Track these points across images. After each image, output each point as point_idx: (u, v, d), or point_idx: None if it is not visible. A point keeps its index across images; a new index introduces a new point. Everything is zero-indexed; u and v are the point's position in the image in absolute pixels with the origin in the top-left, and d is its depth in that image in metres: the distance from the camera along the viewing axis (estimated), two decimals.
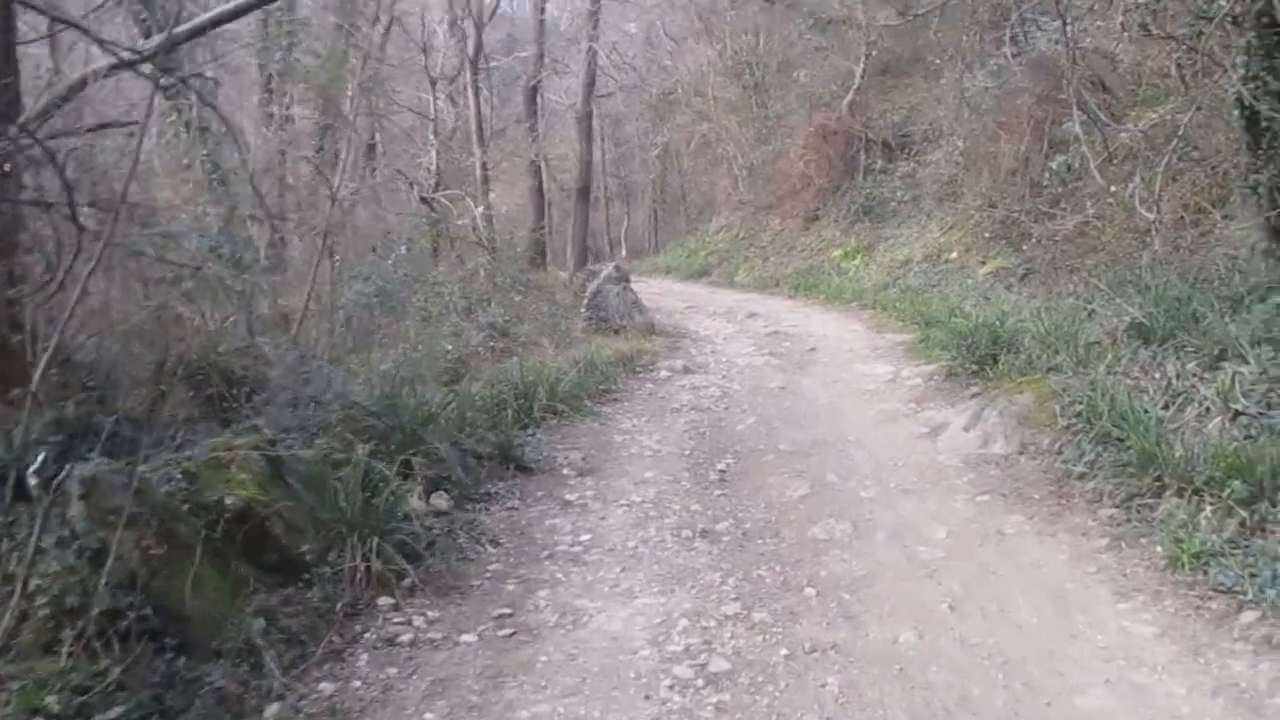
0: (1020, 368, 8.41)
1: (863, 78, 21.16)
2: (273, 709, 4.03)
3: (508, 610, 5.03)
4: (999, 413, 7.59)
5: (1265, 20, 6.82)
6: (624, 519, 6.47)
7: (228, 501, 4.67)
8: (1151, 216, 10.07)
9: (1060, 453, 6.70)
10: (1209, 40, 7.76)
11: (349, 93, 14.43)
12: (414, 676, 4.41)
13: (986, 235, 14.67)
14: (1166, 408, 6.43)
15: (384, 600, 4.98)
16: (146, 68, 6.30)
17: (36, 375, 4.55)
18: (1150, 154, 10.95)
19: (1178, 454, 5.66)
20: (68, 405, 5.62)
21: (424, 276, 15.65)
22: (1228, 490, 5.22)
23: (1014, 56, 14.60)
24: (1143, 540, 5.31)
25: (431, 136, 22.19)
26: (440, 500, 6.51)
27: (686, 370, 11.65)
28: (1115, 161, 11.76)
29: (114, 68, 5.81)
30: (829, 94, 21.80)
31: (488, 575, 5.55)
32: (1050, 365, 8.04)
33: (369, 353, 10.80)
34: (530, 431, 8.48)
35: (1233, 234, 9.11)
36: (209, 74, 9.25)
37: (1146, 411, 6.26)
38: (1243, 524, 5.06)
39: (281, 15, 17.59)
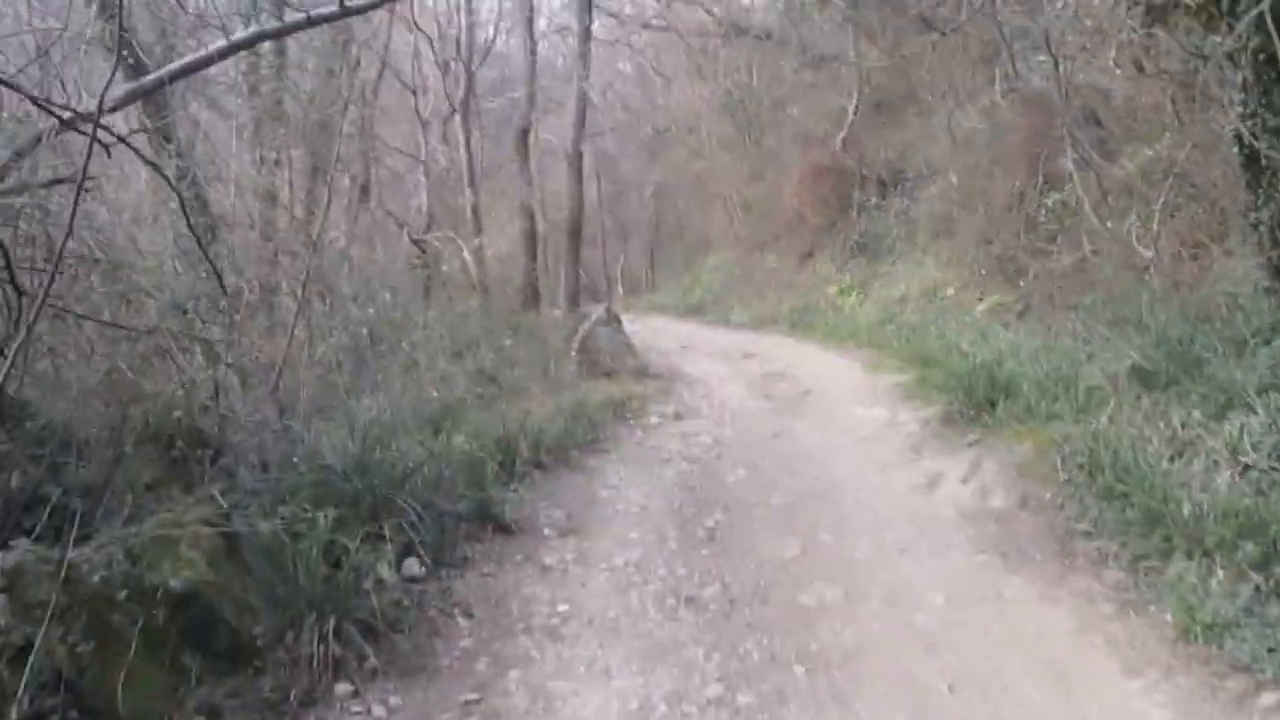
0: (1019, 414, 8.12)
1: (855, 114, 21.04)
2: None
3: (475, 696, 4.70)
4: (998, 464, 7.31)
5: (1262, 57, 6.58)
6: (605, 585, 6.13)
7: (172, 584, 4.35)
8: (1149, 254, 9.87)
9: (1062, 508, 6.40)
10: (1205, 76, 7.53)
11: (340, 135, 14.16)
12: None
13: (983, 272, 14.43)
14: (1172, 460, 6.13)
15: (342, 687, 4.64)
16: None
17: None
18: (1147, 190, 10.76)
19: (1185, 512, 5.36)
20: (11, 476, 5.35)
21: (411, 321, 15.43)
22: (1240, 553, 4.92)
23: (1006, 93, 14.45)
24: (1151, 608, 5.00)
25: (422, 178, 22.04)
26: (413, 566, 6.18)
27: (678, 416, 11.35)
28: (1111, 197, 11.57)
29: (63, 125, 5.54)
30: (822, 131, 21.70)
31: (458, 653, 5.21)
32: (1050, 412, 7.77)
33: (354, 403, 10.53)
34: (512, 487, 8.16)
35: (1233, 271, 8.85)
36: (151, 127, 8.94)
37: (1151, 465, 5.97)
38: (1257, 590, 4.75)
39: (270, 60, 17.49)
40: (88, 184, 6.36)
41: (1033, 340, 10.80)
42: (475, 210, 20.39)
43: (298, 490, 6.45)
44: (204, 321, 7.16)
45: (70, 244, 6.86)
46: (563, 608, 5.78)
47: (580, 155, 23.29)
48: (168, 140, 12.74)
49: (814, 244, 21.26)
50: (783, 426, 10.42)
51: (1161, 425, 6.63)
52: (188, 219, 5.99)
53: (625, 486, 8.46)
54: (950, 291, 15.19)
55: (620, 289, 38.52)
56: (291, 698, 4.45)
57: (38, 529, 4.77)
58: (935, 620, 5.27)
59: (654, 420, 11.15)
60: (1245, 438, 5.81)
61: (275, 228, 14.60)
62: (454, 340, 14.94)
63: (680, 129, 29.93)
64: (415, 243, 20.31)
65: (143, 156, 5.78)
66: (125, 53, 10.84)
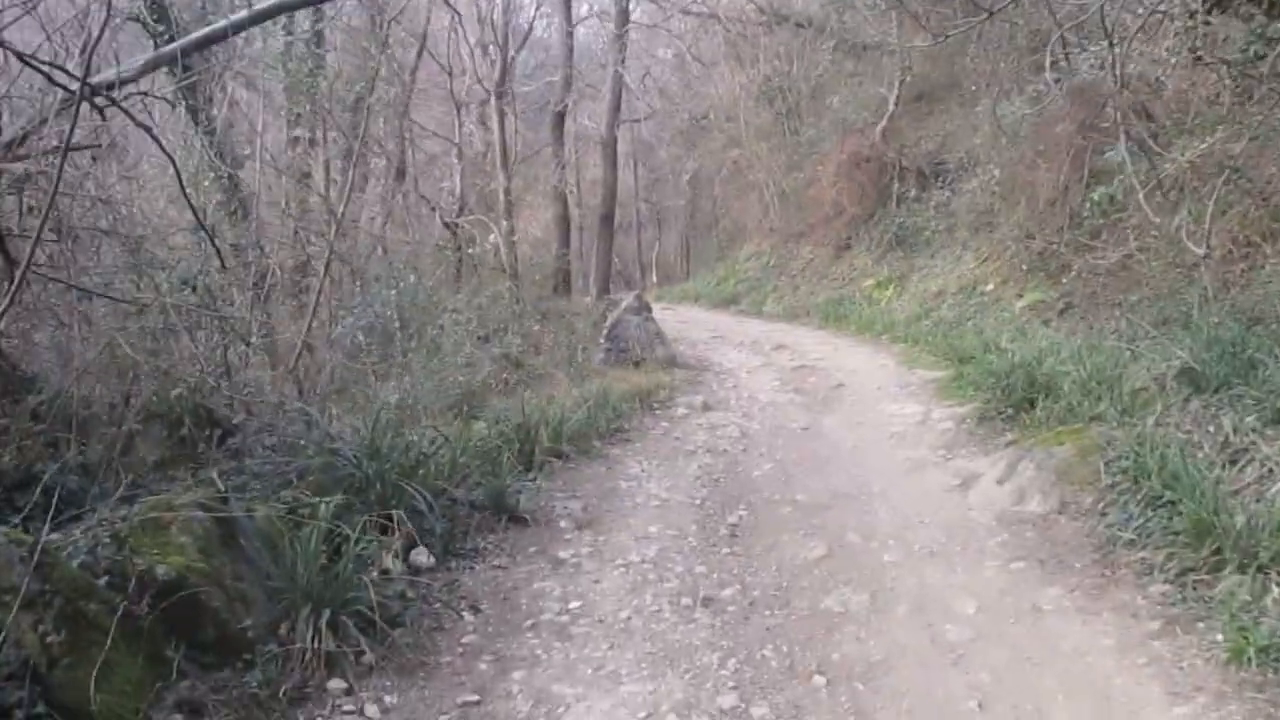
0: (1059, 415, 7.77)
1: (896, 104, 20.59)
2: None
3: (475, 698, 4.44)
4: (1036, 465, 6.96)
5: None
6: (619, 582, 5.86)
7: (158, 572, 4.12)
8: (1200, 251, 9.47)
9: (1104, 514, 6.05)
10: (1271, 64, 7.15)
11: (367, 113, 13.94)
12: None
13: (1023, 267, 14.04)
14: (1224, 468, 5.79)
15: (336, 684, 4.39)
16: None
17: None
18: (1198, 185, 10.37)
19: (1239, 523, 5.01)
20: (4, 453, 5.15)
21: (438, 304, 15.22)
22: None
23: (1053, 83, 14.02)
24: (1200, 625, 4.65)
25: (456, 160, 21.80)
26: (421, 557, 5.95)
27: (706, 407, 11.06)
28: (1161, 193, 11.17)
29: (67, 98, 5.32)
30: (862, 120, 21.26)
31: (460, 650, 4.96)
32: (1092, 414, 7.41)
33: (373, 387, 10.32)
34: (531, 476, 7.93)
35: None
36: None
37: (1201, 472, 5.62)
38: None
39: (307, 35, 17.35)
40: (96, 154, 6.20)
41: (1074, 339, 10.45)
42: (508, 194, 20.09)
43: (306, 474, 6.25)
44: (216, 298, 6.91)
45: (78, 215, 6.73)
46: (574, 605, 5.53)
47: (615, 140, 23.05)
48: (196, 118, 12.66)
49: (851, 236, 20.86)
50: (812, 421, 10.11)
51: (1212, 430, 6.29)
52: (187, 196, 5.68)
53: (647, 479, 8.20)
54: (989, 287, 14.80)
55: (654, 277, 38.25)
56: (281, 694, 4.21)
57: (27, 508, 4.58)
58: (966, 632, 4.95)
59: (680, 411, 10.87)
60: None
61: (307, 208, 14.46)
62: (482, 324, 14.75)
63: (718, 117, 29.50)
64: (447, 226, 20.10)
65: (141, 124, 5.50)
66: (163, 28, 10.78)
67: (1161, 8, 8.51)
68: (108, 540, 4.19)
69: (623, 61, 22.49)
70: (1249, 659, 4.21)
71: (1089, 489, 6.37)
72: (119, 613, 3.80)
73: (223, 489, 4.99)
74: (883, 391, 11.21)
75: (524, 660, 4.86)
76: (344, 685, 4.40)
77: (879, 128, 20.61)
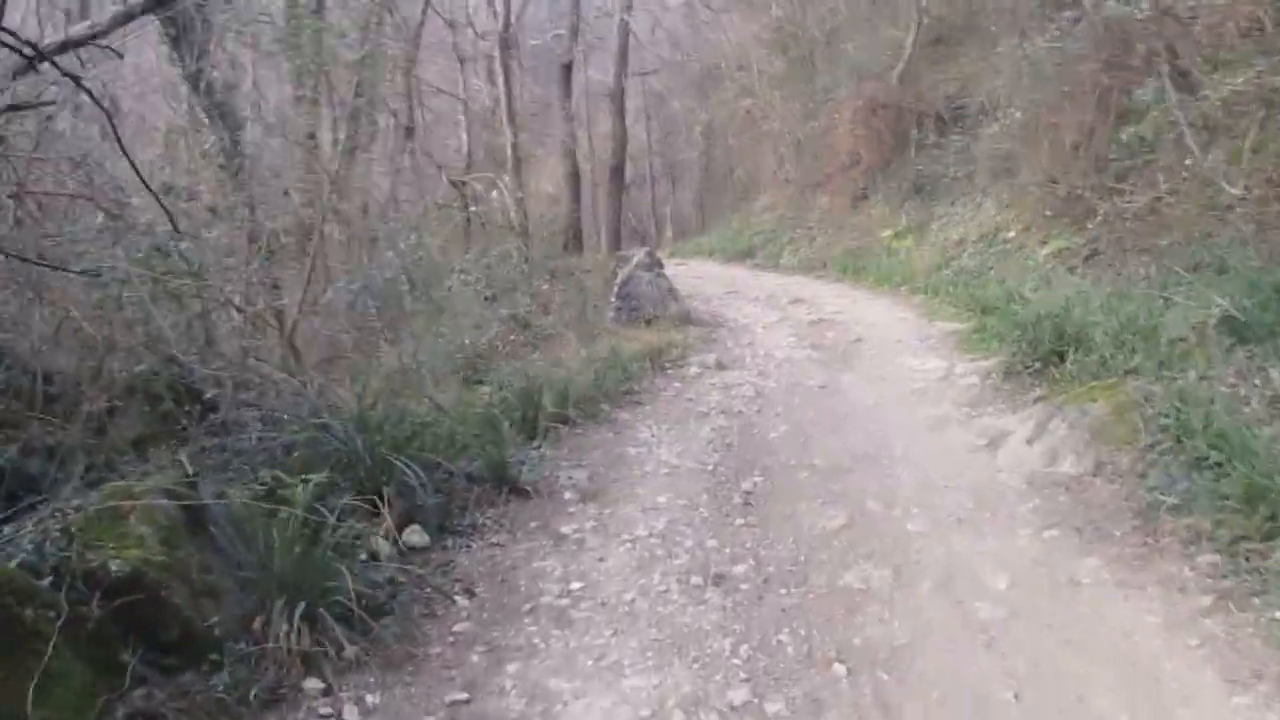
0: (1091, 369, 7.32)
1: (913, 48, 19.95)
2: None
3: (464, 696, 4.07)
4: (1068, 424, 6.53)
5: None
6: (625, 560, 5.49)
7: (112, 568, 3.76)
8: (1236, 191, 9.01)
9: (1144, 476, 5.60)
10: None
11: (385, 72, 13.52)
12: None
13: (1047, 213, 13.52)
14: (1275, 425, 5.35)
15: (312, 683, 4.03)
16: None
17: None
18: (1230, 123, 9.88)
19: None
20: None
21: (446, 265, 14.84)
22: None
23: (1077, 20, 13.44)
24: (1256, 600, 4.22)
25: (461, 117, 21.35)
26: (413, 536, 5.60)
27: (720, 366, 10.65)
28: (1194, 130, 10.67)
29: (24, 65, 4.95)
30: (878, 66, 20.64)
31: (452, 639, 4.60)
32: (1127, 367, 6.96)
33: (374, 353, 9.96)
34: (535, 444, 7.56)
35: None
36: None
37: (1251, 430, 5.19)
38: None
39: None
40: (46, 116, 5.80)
41: (1102, 286, 9.98)
42: (515, 150, 19.62)
43: (292, 450, 5.90)
44: (193, 264, 6.51)
45: (51, 181, 6.36)
46: (575, 586, 5.15)
47: (622, 92, 22.54)
48: (195, 81, 12.25)
49: (868, 185, 20.30)
50: (830, 378, 9.70)
51: (1259, 384, 5.84)
52: (127, 154, 5.27)
53: (657, 444, 7.81)
54: (1011, 234, 14.30)
55: (669, 232, 37.73)
56: (251, 696, 3.84)
57: None
58: (998, 610, 4.56)
59: (693, 370, 10.47)
60: None
61: (311, 169, 14.04)
62: (490, 284, 14.39)
63: (730, 66, 28.86)
64: (454, 184, 19.70)
65: (72, 77, 5.10)
66: None
67: None
68: (58, 533, 3.84)
69: (629, 8, 21.90)
70: None
71: (1126, 449, 5.93)
72: (62, 617, 3.45)
73: (191, 471, 4.62)
74: (903, 345, 10.80)
75: (520, 650, 4.49)
76: (321, 685, 4.04)
77: (895, 73, 20.01)
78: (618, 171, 22.59)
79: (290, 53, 15.44)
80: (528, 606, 4.94)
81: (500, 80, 19.83)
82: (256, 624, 4.16)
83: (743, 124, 28.60)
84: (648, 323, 12.98)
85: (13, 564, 3.57)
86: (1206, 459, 5.23)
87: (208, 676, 3.85)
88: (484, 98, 23.68)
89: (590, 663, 4.34)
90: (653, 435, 8.06)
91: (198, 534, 4.33)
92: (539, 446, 7.53)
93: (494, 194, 18.15)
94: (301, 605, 4.16)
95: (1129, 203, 11.75)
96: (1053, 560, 5.02)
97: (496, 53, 19.92)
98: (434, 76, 24.69)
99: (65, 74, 4.97)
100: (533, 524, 6.08)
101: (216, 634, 3.99)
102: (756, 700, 3.95)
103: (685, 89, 34.34)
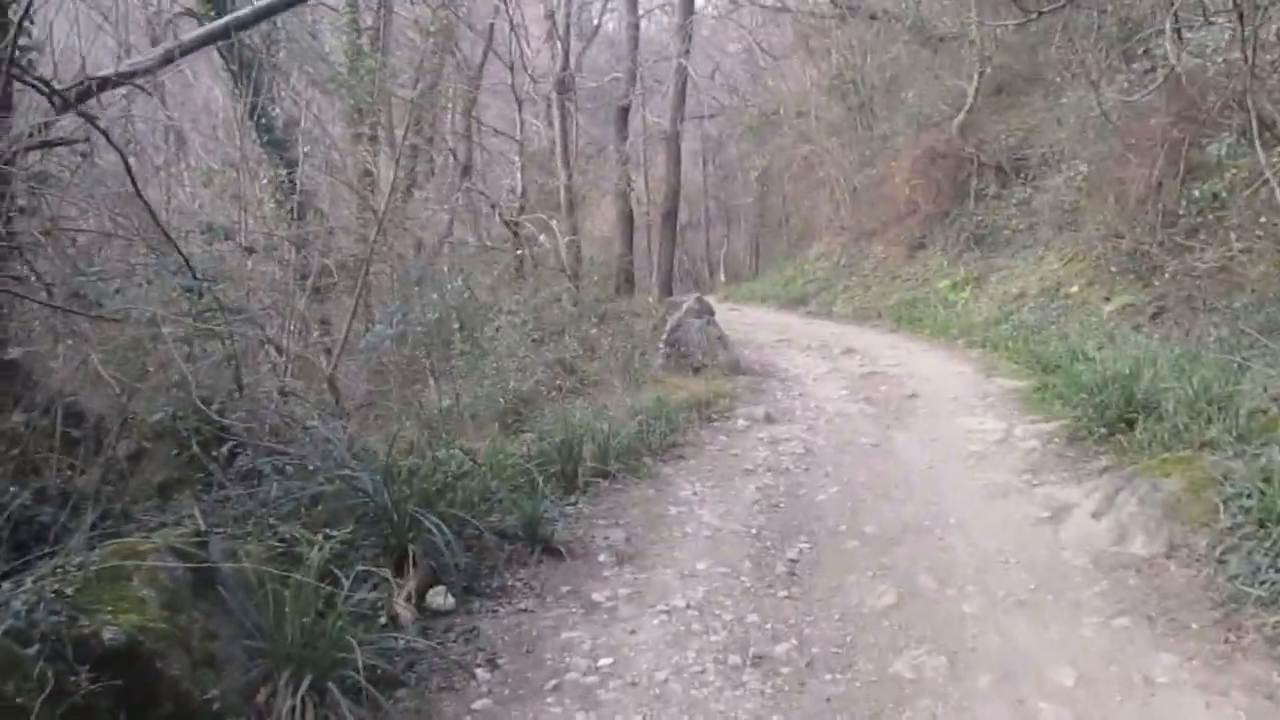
0: (1163, 438, 6.91)
1: (975, 97, 19.63)
2: None
3: None
4: (1138, 499, 6.11)
5: None
6: (659, 633, 5.15)
7: (105, 636, 3.51)
8: None
9: (1223, 562, 5.19)
10: None
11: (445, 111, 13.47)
12: None
13: (1112, 269, 13.12)
14: None
15: None
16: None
17: None
18: None
19: None
20: None
21: (493, 306, 14.69)
22: None
23: (1147, 72, 13.07)
24: None
25: (516, 158, 21.26)
26: (438, 598, 5.32)
27: (768, 419, 10.31)
28: (1269, 188, 10.27)
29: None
30: (938, 114, 20.35)
31: (469, 718, 4.30)
32: (1203, 438, 6.55)
33: (414, 398, 9.75)
34: (572, 500, 7.27)
35: None
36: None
37: None
38: None
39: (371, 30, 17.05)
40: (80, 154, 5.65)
41: (1171, 347, 9.56)
42: (569, 191, 19.48)
43: (319, 502, 5.65)
44: (224, 306, 6.31)
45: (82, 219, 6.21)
46: (604, 662, 4.82)
47: (678, 135, 22.38)
48: (252, 114, 12.27)
49: (925, 234, 19.96)
50: (883, 436, 9.32)
51: None
52: (140, 194, 5.09)
53: (699, 503, 7.48)
54: (1074, 289, 13.89)
55: (722, 276, 37.49)
56: None
57: None
58: (1064, 713, 4.16)
59: (740, 423, 10.14)
60: None
61: (366, 206, 14.00)
62: (538, 326, 14.21)
63: (788, 112, 28.67)
64: (507, 224, 19.59)
65: (90, 119, 4.92)
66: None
67: None
68: (53, 595, 3.59)
69: (687, 53, 21.77)
70: None
71: (1203, 530, 5.52)
72: (46, 691, 3.19)
73: (204, 526, 4.37)
74: (959, 403, 10.38)
75: None
76: None
77: (956, 122, 19.69)
78: (671, 216, 22.39)
79: (347, 90, 15.49)
80: (552, 683, 4.62)
81: (557, 122, 19.71)
82: (261, 697, 3.90)
83: (799, 170, 28.40)
84: (696, 371, 12.68)
85: (0, 630, 3.31)
86: None
87: None
88: (541, 139, 23.64)
89: None
90: (695, 493, 7.73)
91: (206, 596, 4.07)
92: (576, 502, 7.24)
93: (545, 235, 18.01)
94: (308, 678, 3.87)
95: (1198, 260, 11.38)
96: (1124, 655, 4.62)
97: (553, 94, 19.81)
98: (492, 117, 24.73)
99: (82, 115, 4.78)
100: (564, 588, 5.76)
101: (215, 708, 3.71)
102: None
103: (743, 134, 34.20)
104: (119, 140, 5.53)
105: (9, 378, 5.17)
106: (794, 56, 28.24)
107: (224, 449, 5.94)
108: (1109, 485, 6.56)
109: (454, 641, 4.96)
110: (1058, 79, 16.91)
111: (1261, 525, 5.15)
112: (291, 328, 9.37)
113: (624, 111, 22.46)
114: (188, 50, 6.81)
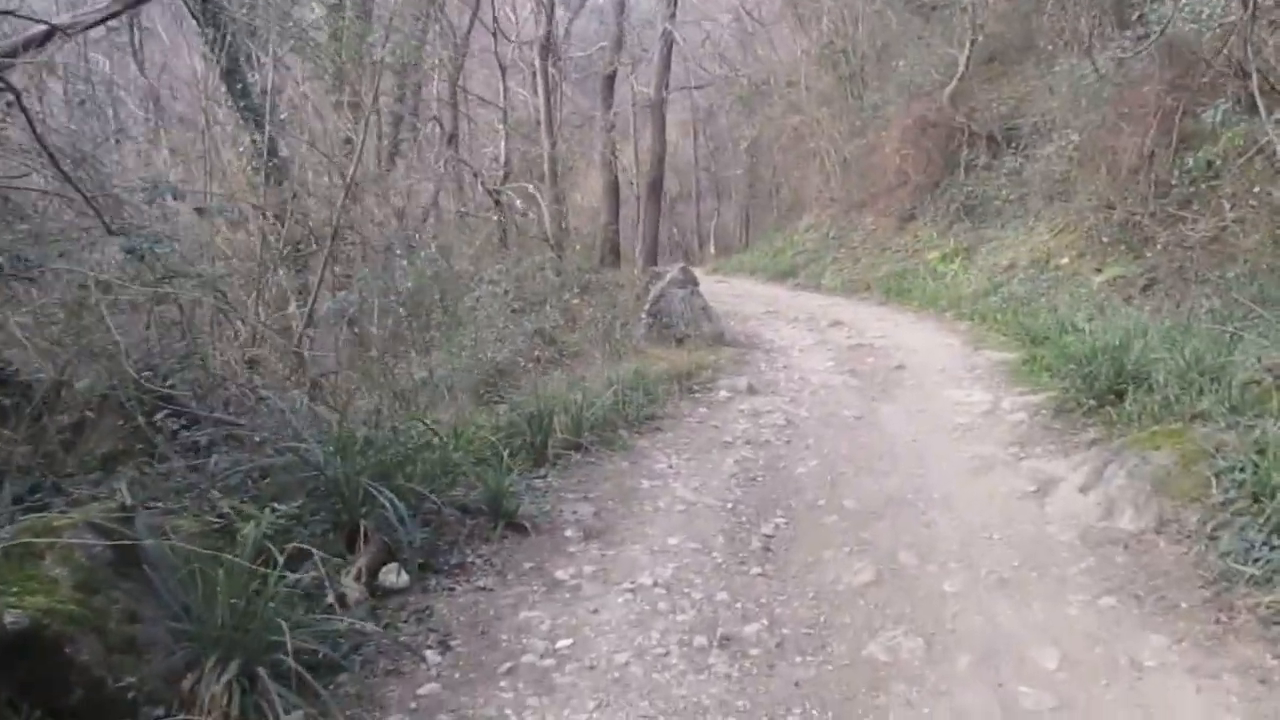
0: (1153, 410, 6.66)
1: (967, 66, 19.29)
2: None
3: None
4: (1127, 472, 5.87)
5: None
6: (623, 613, 4.88)
7: (6, 621, 3.24)
8: None
9: (1214, 538, 4.94)
10: None
11: (379, 70, 13.10)
12: None
13: (1103, 240, 12.87)
14: None
15: None
16: None
17: None
18: None
19: None
20: None
21: (473, 275, 14.41)
22: None
23: (1141, 38, 12.78)
24: None
25: (500, 126, 20.93)
26: (390, 576, 5.06)
27: (751, 390, 10.04)
28: (1263, 157, 10.05)
29: None
30: (929, 83, 20.01)
31: (414, 704, 4.02)
32: (1194, 410, 6.29)
33: (389, 369, 9.46)
34: (541, 473, 7.00)
35: None
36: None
37: None
38: None
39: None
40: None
41: (1162, 319, 9.32)
42: (553, 160, 19.13)
43: (268, 474, 5.39)
44: (172, 273, 6.02)
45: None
46: (563, 643, 4.55)
47: (663, 102, 22.00)
48: (230, 82, 11.96)
49: (915, 205, 19.65)
50: (867, 408, 9.07)
51: None
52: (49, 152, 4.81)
53: (674, 476, 7.22)
54: (1064, 261, 13.64)
55: (713, 248, 37.20)
56: None
57: None
58: (1046, 697, 3.92)
59: (722, 395, 9.87)
60: None
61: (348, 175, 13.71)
62: (519, 297, 13.94)
63: (778, 82, 28.30)
64: (490, 193, 19.28)
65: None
66: None
67: None
68: None
69: (672, 17, 21.38)
70: None
71: (1194, 505, 5.28)
72: None
73: (130, 501, 4.09)
74: (946, 375, 10.13)
75: None
76: None
77: (947, 91, 19.36)
78: (655, 185, 22.05)
79: (324, 55, 15.12)
80: (506, 666, 4.35)
81: (540, 88, 19.36)
82: (186, 684, 3.63)
83: (789, 141, 28.05)
84: (679, 342, 12.40)
85: None
86: None
87: None
88: (527, 107, 23.32)
89: None
90: (670, 466, 7.47)
91: (130, 575, 3.80)
92: (545, 475, 6.98)
93: (531, 205, 17.71)
94: (236, 663, 3.61)
95: (1191, 230, 11.14)
96: (1110, 635, 4.38)
97: (536, 61, 19.46)
98: (478, 86, 24.35)
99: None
100: (527, 565, 5.50)
101: (130, 696, 3.44)
102: None
103: (733, 105, 33.83)
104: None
105: None
106: (784, 23, 27.84)
107: (162, 418, 5.66)
108: (1097, 458, 6.34)
109: (405, 622, 4.70)
110: (1050, 46, 16.62)
111: (1255, 500, 4.91)
112: (263, 296, 9.08)
113: (610, 80, 22.08)
114: (132, 4, 6.48)
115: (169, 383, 5.79)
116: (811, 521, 6.21)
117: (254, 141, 12.46)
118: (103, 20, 6.10)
